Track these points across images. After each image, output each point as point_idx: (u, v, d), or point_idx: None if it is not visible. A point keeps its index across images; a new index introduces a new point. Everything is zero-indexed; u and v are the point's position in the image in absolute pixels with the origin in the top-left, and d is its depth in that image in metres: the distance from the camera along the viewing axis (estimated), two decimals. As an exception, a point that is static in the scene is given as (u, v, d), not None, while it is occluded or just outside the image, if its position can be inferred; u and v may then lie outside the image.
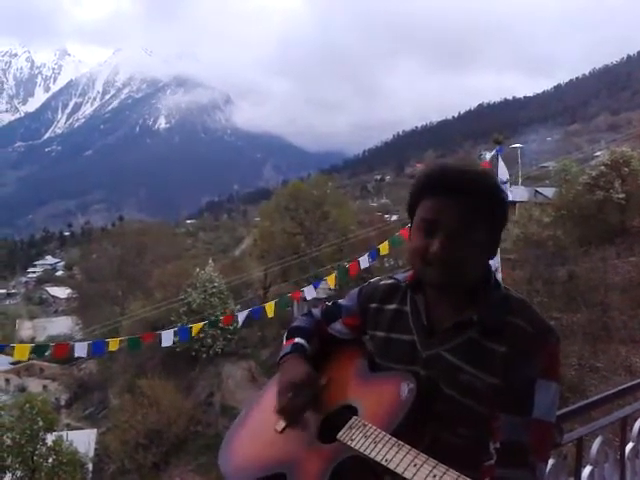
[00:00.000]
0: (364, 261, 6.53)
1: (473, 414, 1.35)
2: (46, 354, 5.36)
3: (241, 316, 6.39)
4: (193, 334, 6.82)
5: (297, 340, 1.65)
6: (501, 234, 1.45)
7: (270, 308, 6.37)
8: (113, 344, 5.51)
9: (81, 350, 5.25)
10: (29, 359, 40.38)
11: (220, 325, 22.78)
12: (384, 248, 6.45)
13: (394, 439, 1.24)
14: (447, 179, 1.38)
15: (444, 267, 1.35)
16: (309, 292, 6.55)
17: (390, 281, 1.60)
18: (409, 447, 1.20)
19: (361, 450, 1.27)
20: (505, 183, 7.08)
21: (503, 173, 7.22)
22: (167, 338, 6.15)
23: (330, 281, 6.66)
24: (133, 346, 6.21)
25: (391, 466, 1.19)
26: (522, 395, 1.31)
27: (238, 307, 28.65)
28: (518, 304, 1.41)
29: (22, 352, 5.02)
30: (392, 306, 1.55)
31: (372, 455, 1.24)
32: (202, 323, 7.40)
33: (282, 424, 1.49)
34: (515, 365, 1.32)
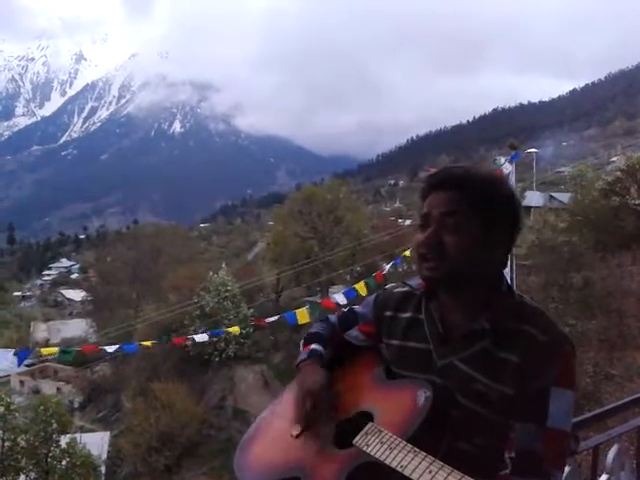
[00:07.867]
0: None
1: (488, 423, 1.35)
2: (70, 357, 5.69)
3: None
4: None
5: (313, 346, 1.65)
6: (511, 237, 1.41)
7: (302, 315, 6.43)
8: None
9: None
10: (43, 361, 40.84)
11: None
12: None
13: (410, 446, 1.23)
14: (443, 175, 1.41)
15: (433, 259, 1.35)
16: (339, 299, 6.62)
17: (405, 289, 1.58)
18: (425, 454, 1.20)
19: (377, 456, 1.27)
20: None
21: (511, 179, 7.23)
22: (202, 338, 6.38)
23: (360, 289, 6.61)
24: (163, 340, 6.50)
25: (406, 472, 1.18)
26: (536, 403, 1.30)
27: (252, 311, 28.75)
28: (531, 312, 1.39)
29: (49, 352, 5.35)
30: (407, 314, 1.53)
31: (388, 461, 1.24)
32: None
33: (298, 429, 1.50)
34: (529, 375, 1.31)
